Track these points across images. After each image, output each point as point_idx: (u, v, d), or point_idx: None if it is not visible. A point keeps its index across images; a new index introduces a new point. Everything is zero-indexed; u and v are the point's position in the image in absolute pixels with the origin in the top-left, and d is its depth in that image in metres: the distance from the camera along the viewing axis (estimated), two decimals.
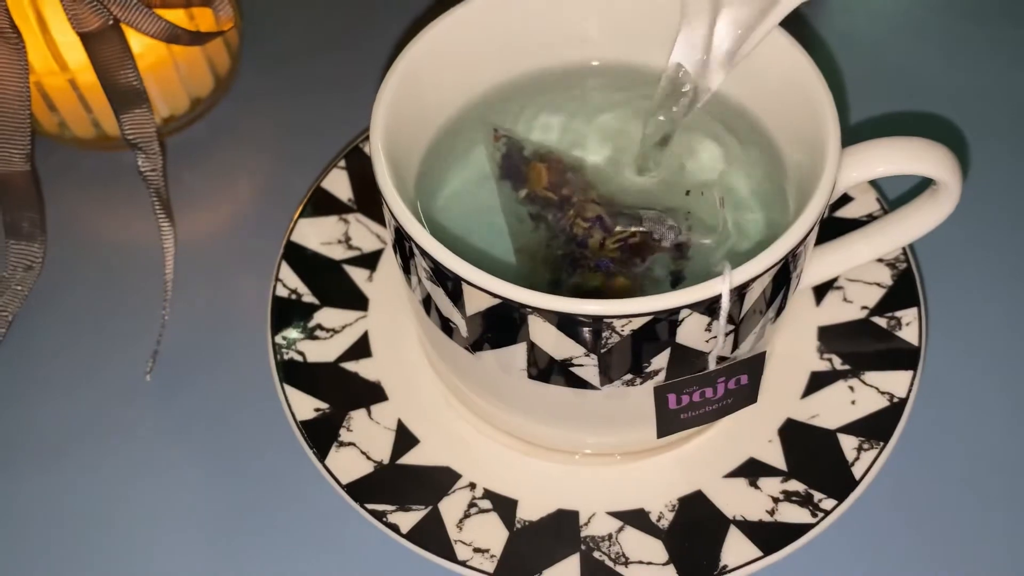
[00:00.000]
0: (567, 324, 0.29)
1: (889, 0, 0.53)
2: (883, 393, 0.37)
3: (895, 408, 0.36)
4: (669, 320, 0.29)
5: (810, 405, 0.37)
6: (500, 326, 0.30)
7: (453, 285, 0.30)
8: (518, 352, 0.31)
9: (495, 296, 0.29)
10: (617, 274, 0.33)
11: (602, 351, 0.30)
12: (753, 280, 0.29)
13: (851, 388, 0.37)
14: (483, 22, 0.35)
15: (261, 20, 0.52)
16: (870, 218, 0.41)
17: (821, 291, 0.40)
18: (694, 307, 0.29)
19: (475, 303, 0.30)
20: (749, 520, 0.34)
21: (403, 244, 0.31)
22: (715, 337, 0.30)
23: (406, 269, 0.33)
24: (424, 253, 0.30)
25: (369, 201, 0.42)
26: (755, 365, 0.33)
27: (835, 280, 0.40)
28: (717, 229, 0.33)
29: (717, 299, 0.29)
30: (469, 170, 0.36)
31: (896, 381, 0.37)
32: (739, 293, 0.29)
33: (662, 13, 0.35)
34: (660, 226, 0.33)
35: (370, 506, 0.34)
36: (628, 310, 0.28)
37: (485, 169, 0.36)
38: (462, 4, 0.35)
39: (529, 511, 0.35)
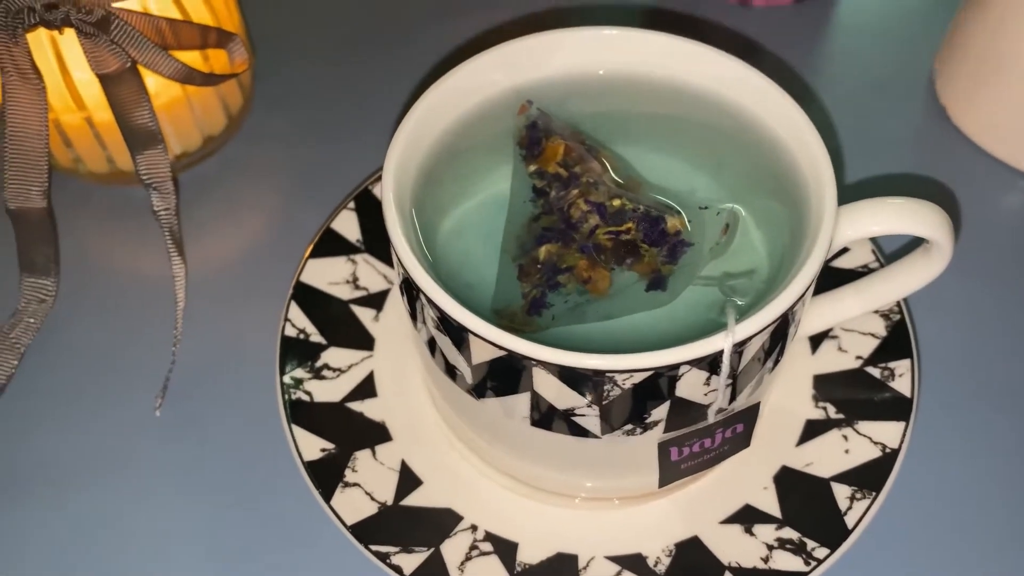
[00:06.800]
0: (569, 376, 0.30)
1: (886, 61, 0.54)
2: (876, 443, 0.37)
3: (887, 458, 0.37)
4: (669, 375, 0.30)
5: (805, 453, 0.38)
6: (504, 375, 0.31)
7: (458, 334, 0.31)
8: (521, 400, 0.32)
9: (500, 348, 0.30)
10: (598, 264, 0.32)
11: (603, 402, 0.31)
12: (752, 336, 0.30)
13: (845, 437, 0.38)
14: (498, 71, 0.36)
15: (274, 60, 0.53)
16: (865, 269, 0.42)
17: (817, 340, 0.40)
18: (694, 363, 0.29)
19: (480, 353, 0.31)
20: (744, 567, 0.35)
21: (411, 291, 0.32)
22: (715, 391, 0.31)
23: (413, 315, 0.34)
24: (431, 303, 0.31)
25: (377, 242, 0.43)
26: (751, 414, 0.34)
27: (830, 330, 0.41)
28: (706, 248, 0.33)
29: (718, 354, 0.30)
30: (480, 194, 0.36)
31: (889, 432, 0.38)
32: (737, 348, 0.30)
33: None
34: (654, 225, 0.32)
35: (374, 547, 0.35)
36: (629, 365, 0.29)
37: (493, 191, 0.35)
38: (477, 56, 0.36)
39: (529, 554, 0.36)
